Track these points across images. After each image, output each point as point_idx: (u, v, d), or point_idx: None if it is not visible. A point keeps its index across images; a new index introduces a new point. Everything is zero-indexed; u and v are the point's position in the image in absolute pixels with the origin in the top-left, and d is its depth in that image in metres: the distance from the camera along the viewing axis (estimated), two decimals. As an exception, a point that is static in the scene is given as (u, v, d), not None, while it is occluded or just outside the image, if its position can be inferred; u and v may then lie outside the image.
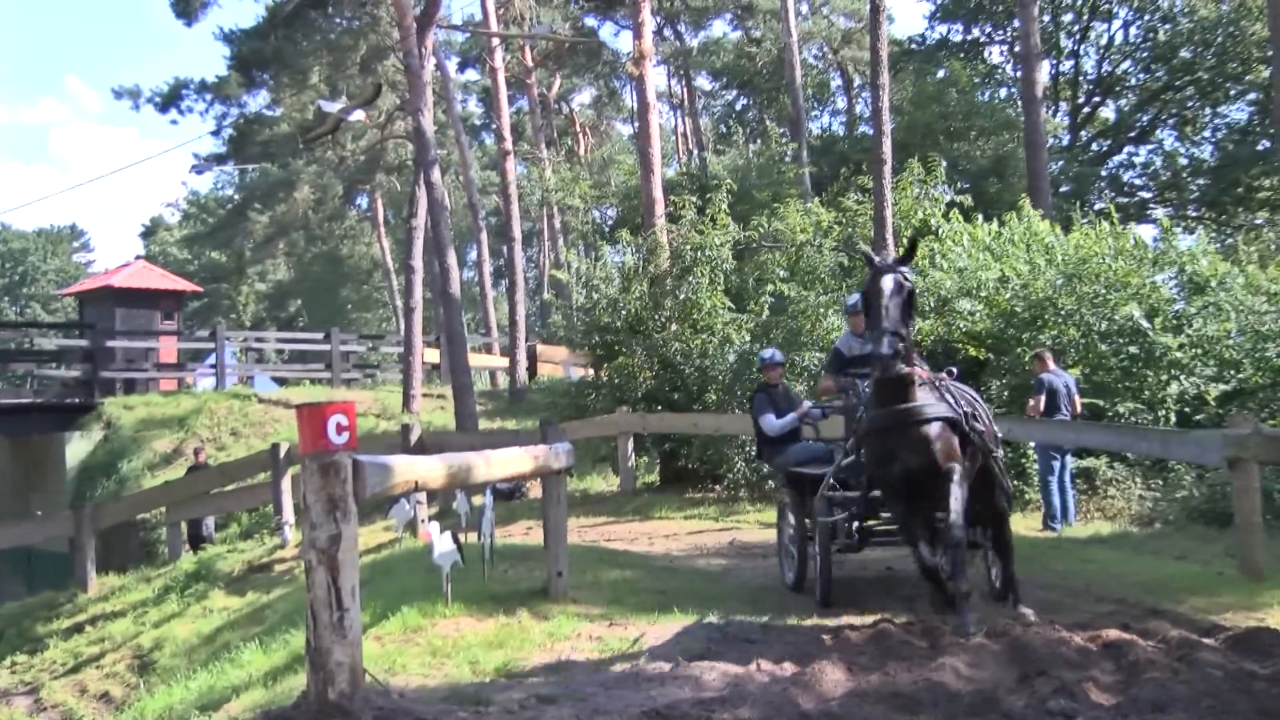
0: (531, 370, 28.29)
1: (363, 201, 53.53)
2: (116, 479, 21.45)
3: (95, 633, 15.75)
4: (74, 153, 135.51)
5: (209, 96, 35.92)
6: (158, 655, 13.56)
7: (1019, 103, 27.28)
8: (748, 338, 16.89)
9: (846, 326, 10.21)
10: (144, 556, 19.19)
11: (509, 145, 29.62)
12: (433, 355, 28.20)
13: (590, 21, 44.25)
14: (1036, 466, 13.15)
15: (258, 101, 37.39)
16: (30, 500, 23.91)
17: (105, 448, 22.65)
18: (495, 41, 31.87)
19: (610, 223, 31.20)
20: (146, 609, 15.72)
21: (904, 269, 7.43)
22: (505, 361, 28.58)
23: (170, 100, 35.46)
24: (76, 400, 24.30)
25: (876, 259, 7.55)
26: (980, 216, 18.01)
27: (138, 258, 37.49)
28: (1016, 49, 31.05)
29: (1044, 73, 29.45)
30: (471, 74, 47.09)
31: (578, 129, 51.47)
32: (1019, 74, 27.34)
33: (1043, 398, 12.65)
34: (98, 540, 18.19)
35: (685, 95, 47.84)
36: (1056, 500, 12.66)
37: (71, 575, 18.38)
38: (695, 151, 42.77)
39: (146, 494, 19.41)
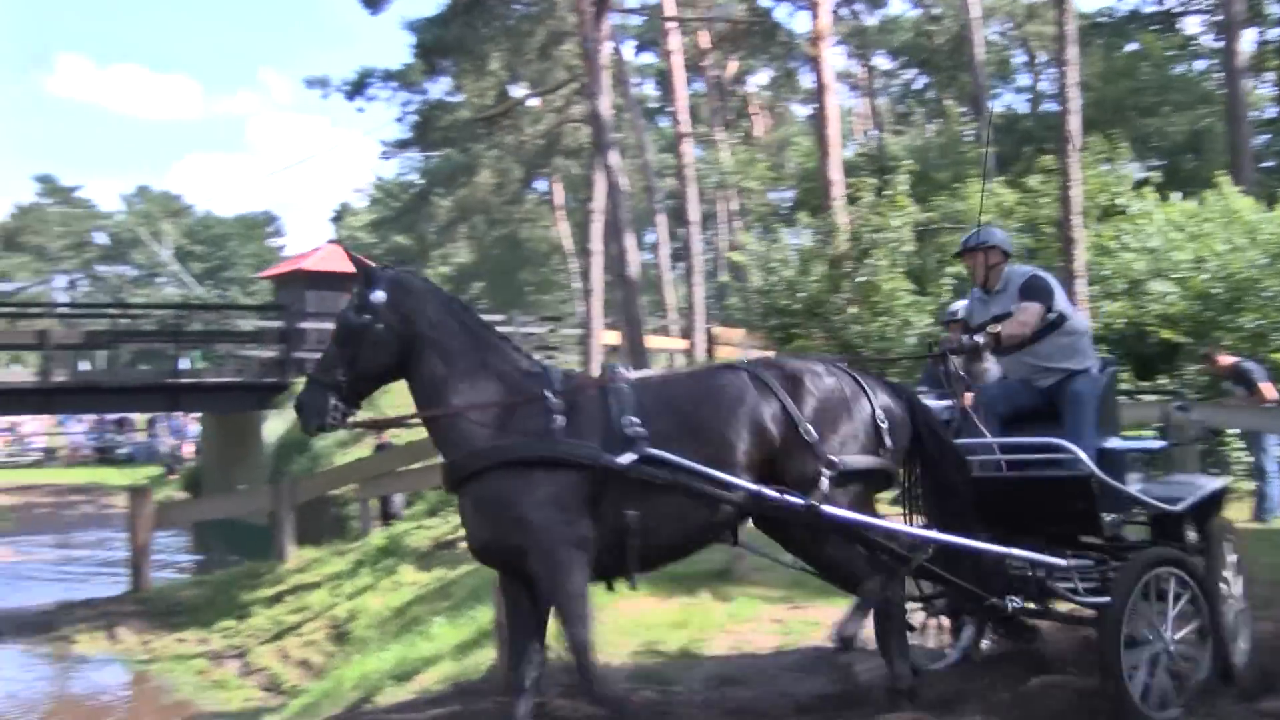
0: (709, 352, 28.36)
1: (542, 185, 54.28)
2: (310, 456, 22.28)
3: (295, 602, 16.48)
4: (269, 141, 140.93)
5: (394, 84, 36.95)
6: (353, 626, 14.11)
7: (1219, 74, 26.13)
8: (929, 320, 16.66)
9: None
10: (337, 531, 19.92)
11: (686, 128, 29.70)
12: (611, 337, 28.50)
13: (766, 2, 43.99)
14: (1249, 455, 12.65)
15: (440, 88, 38.31)
16: (233, 474, 25.07)
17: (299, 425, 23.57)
18: (671, 25, 31.96)
19: (787, 205, 31.05)
20: (341, 581, 16.36)
21: None
22: (683, 344, 28.72)
23: (357, 89, 36.58)
24: (273, 379, 25.36)
25: None
26: (1175, 194, 17.36)
27: (328, 242, 38.83)
28: (1216, 18, 29.74)
29: (1247, 42, 28.14)
30: (648, 57, 47.33)
31: (754, 111, 51.22)
32: (1219, 44, 26.18)
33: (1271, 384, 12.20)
34: (295, 514, 18.99)
35: (863, 75, 47.17)
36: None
37: (271, 547, 19.23)
38: (873, 132, 42.17)
39: (338, 470, 20.13)
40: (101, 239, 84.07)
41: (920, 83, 43.70)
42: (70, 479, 40.57)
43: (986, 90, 30.28)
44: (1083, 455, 5.60)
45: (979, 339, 5.99)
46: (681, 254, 39.93)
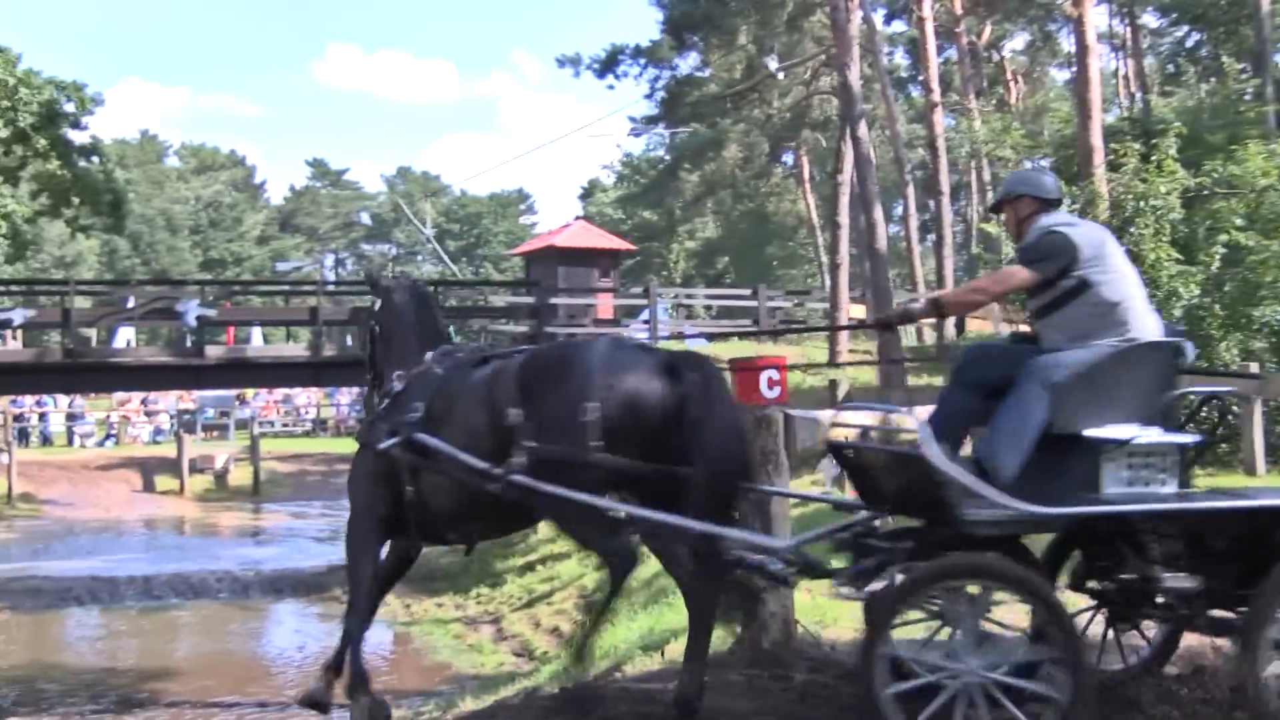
0: (960, 325, 27.64)
1: (788, 158, 53.99)
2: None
3: (545, 571, 16.92)
4: (520, 121, 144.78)
5: (643, 61, 37.30)
6: (600, 595, 14.35)
7: None
8: (1196, 291, 15.73)
9: None
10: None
11: (937, 97, 28.96)
12: (858, 311, 28.15)
13: (1023, -38, 42.41)
14: None
15: (688, 64, 38.49)
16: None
17: (550, 399, 24.11)
18: (923, -10, 31.18)
19: (1044, 173, 29.86)
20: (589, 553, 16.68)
21: None
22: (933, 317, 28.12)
23: (607, 66, 37.10)
24: (525, 354, 26.07)
25: None
26: None
27: (577, 218, 39.64)
28: None
29: None
30: (898, 25, 46.34)
31: (1009, 77, 49.57)
32: None
33: None
34: (546, 485, 19.45)
35: (1128, 35, 44.94)
36: None
37: (524, 516, 19.78)
38: (1138, 95, 40.14)
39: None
40: (365, 219, 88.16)
41: (1192, 40, 41.30)
42: (338, 449, 42.74)
43: (1272, 44, 28.34)
44: (919, 429, 4.77)
45: (913, 305, 5.38)
46: (931, 226, 39.06)
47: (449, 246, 76.26)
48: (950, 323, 25.85)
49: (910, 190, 33.55)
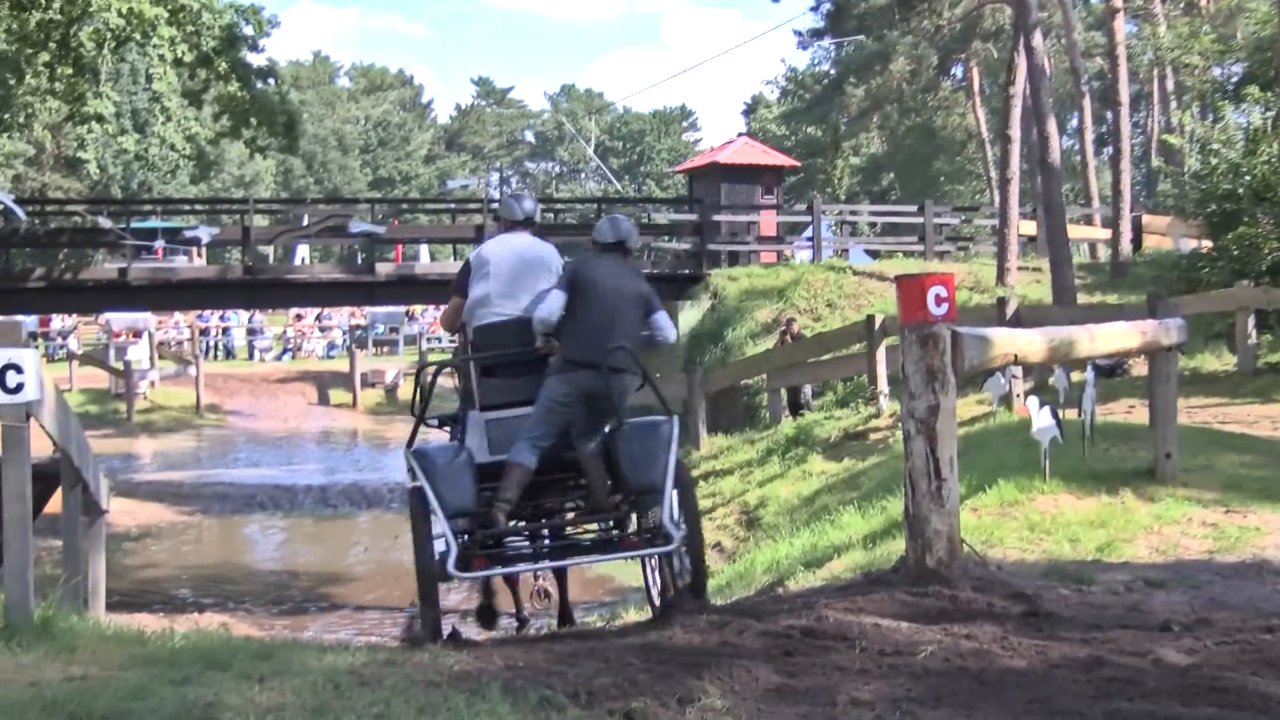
0: (1136, 242, 26.65)
1: (958, 71, 52.39)
2: (722, 346, 22.81)
3: (707, 487, 17.02)
4: (683, 37, 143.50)
5: (809, -29, 36.53)
6: (762, 512, 14.42)
7: None
8: None
9: None
10: (747, 419, 20.37)
11: (1117, 2, 27.69)
12: (1028, 227, 27.35)
13: None
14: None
15: (855, -26, 37.49)
16: (650, 363, 26.09)
17: (712, 316, 24.14)
18: (1104, -111, 29.72)
19: (1235, 80, 28.43)
20: (751, 469, 16.74)
21: None
22: (1106, 233, 27.16)
23: (772, -21, 36.44)
24: (687, 271, 26.05)
25: None
26: None
27: (740, 135, 39.24)
28: None
29: None
30: (1076, -73, 44.34)
31: (1197, -22, 47.07)
32: None
33: None
34: (707, 402, 19.59)
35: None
36: None
37: (685, 433, 19.92)
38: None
39: (749, 361, 20.52)
40: (529, 137, 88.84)
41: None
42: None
43: None
44: None
45: None
46: (1108, 138, 37.58)
47: (612, 164, 76.43)
48: (1126, 238, 24.96)
49: (1086, 102, 32.28)
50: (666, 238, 28.93)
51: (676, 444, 6.65)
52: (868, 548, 7.95)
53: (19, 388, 5.26)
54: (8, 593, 5.25)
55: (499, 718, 3.74)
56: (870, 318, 16.79)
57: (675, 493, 6.34)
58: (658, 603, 6.87)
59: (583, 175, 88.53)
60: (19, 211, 23.86)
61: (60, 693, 4.03)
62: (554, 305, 6.59)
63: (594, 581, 14.14)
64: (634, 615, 9.27)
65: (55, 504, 7.92)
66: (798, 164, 47.88)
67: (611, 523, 6.75)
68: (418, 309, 44.26)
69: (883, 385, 16.16)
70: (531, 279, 6.84)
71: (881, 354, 16.22)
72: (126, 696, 3.98)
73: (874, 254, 30.57)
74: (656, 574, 6.97)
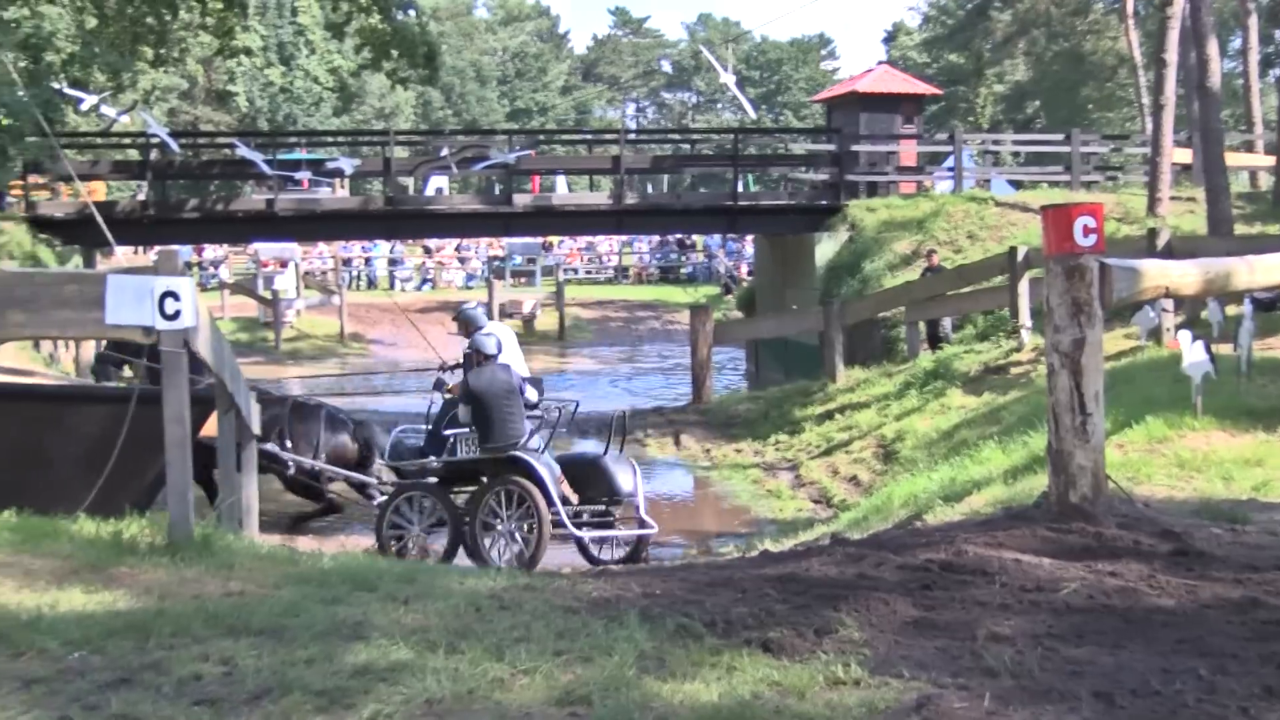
0: (1301, 168, 25.47)
1: (1112, -8, 50.48)
2: (860, 278, 22.54)
3: (843, 420, 16.95)
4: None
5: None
6: (899, 446, 14.31)
7: None
8: None
9: None
10: (885, 353, 20.15)
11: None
12: (1183, 155, 26.32)
13: None
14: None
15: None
16: (786, 295, 25.91)
17: (850, 248, 23.83)
18: None
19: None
20: (888, 402, 16.59)
21: None
22: (1269, 160, 26.02)
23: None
24: (824, 202, 25.72)
25: None
26: None
27: (880, 63, 38.43)
28: None
29: None
30: None
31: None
32: None
33: None
34: (844, 335, 19.44)
35: None
36: None
37: (821, 366, 19.80)
38: None
39: (887, 293, 20.26)
40: (666, 67, 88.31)
41: None
42: (639, 295, 43.77)
43: None
44: None
45: None
46: (1275, 60, 35.87)
47: (748, 94, 75.53)
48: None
49: (1253, 21, 30.83)
50: (803, 169, 28.56)
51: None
52: (1008, 483, 7.83)
53: (177, 314, 5.44)
54: (171, 511, 5.48)
55: (636, 644, 3.79)
56: (1013, 249, 16.44)
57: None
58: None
59: (719, 105, 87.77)
60: (173, 144, 24.56)
61: (220, 607, 4.21)
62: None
63: (730, 512, 14.22)
64: (770, 545, 9.29)
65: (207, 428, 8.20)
66: (939, 92, 46.75)
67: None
68: (554, 240, 44.59)
69: (1025, 319, 15.83)
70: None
71: (1024, 287, 15.88)
72: (281, 613, 4.14)
73: (1017, 184, 29.75)
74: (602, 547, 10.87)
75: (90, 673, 3.47)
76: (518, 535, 10.08)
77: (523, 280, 43.22)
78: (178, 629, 3.89)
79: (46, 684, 3.36)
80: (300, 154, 31.53)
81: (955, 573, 4.75)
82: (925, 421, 14.69)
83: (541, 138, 37.25)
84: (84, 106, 24.89)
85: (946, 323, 19.21)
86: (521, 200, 26.36)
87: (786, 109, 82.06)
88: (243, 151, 24.27)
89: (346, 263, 42.94)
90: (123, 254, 25.69)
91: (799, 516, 13.29)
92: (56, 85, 21.67)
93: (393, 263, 44.73)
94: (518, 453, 10.35)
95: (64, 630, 3.82)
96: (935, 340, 18.80)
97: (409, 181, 27.65)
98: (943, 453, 12.15)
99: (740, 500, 14.82)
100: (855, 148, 26.13)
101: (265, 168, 23.86)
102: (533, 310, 38.32)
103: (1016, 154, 43.33)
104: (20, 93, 17.81)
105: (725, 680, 3.50)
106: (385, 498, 11.18)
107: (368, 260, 44.61)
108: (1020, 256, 16.02)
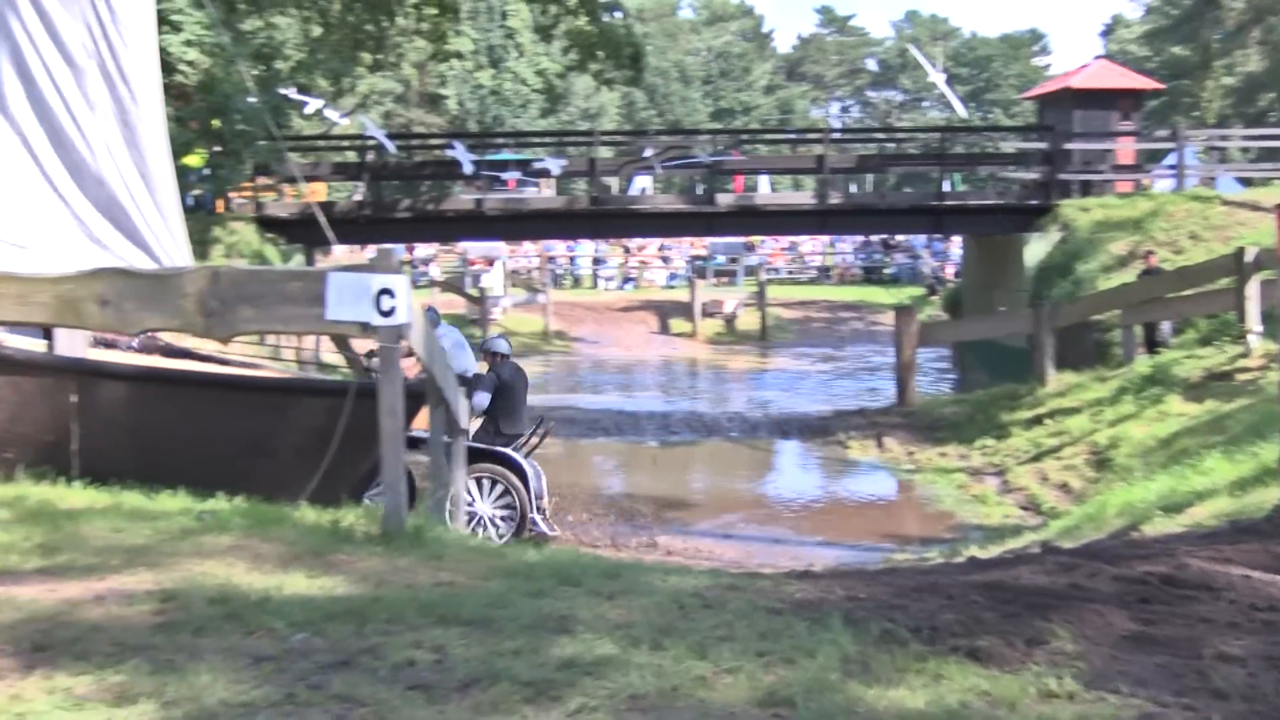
0: None
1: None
2: (1072, 280, 21.83)
3: (1053, 425, 16.44)
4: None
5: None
6: (1113, 453, 13.81)
7: None
8: None
9: None
10: (1097, 357, 19.44)
11: None
12: None
13: None
14: None
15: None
16: (993, 297, 25.29)
17: (1061, 249, 23.10)
18: None
19: None
20: (1101, 408, 16.01)
21: None
22: None
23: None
24: (1035, 202, 24.98)
25: None
26: None
27: (1097, 58, 37.07)
28: None
29: None
30: None
31: None
32: None
33: None
34: (1055, 338, 18.85)
35: None
36: None
37: (1029, 369, 19.25)
38: None
39: (1101, 296, 19.56)
40: (872, 65, 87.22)
41: None
42: (841, 296, 43.37)
43: None
44: None
45: None
46: None
47: (957, 91, 73.87)
48: None
49: None
50: (1013, 167, 27.79)
51: None
52: (1234, 495, 7.47)
53: (392, 311, 5.63)
54: (385, 502, 5.67)
55: (840, 647, 3.75)
56: (1240, 250, 15.69)
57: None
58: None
59: (925, 103, 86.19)
60: (389, 146, 25.44)
61: (432, 596, 4.34)
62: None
63: (934, 517, 13.97)
64: (976, 551, 9.07)
65: (418, 422, 8.47)
66: (1161, 86, 44.84)
67: None
68: (757, 240, 44.49)
69: (1253, 323, 15.08)
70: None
71: (1253, 289, 15.14)
72: (489, 604, 4.24)
73: (1246, 182, 28.35)
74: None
75: (313, 653, 3.62)
76: (497, 520, 10.85)
77: (725, 280, 43.25)
78: (392, 616, 4.03)
79: (274, 662, 3.53)
80: (508, 155, 32.26)
81: (1177, 587, 4.54)
82: (1141, 428, 14.13)
83: (745, 137, 37.17)
84: (308, 111, 26.01)
85: (1165, 326, 18.43)
86: (725, 200, 26.41)
87: (996, 106, 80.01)
88: (453, 152, 24.97)
89: (551, 261, 43.75)
90: (340, 252, 26.76)
91: (1006, 523, 12.96)
92: (284, 91, 22.70)
93: (596, 261, 45.37)
94: (508, 451, 11.40)
95: (289, 612, 4.00)
96: (1153, 345, 18.05)
97: (613, 181, 28.01)
98: (1161, 462, 11.66)
99: (944, 505, 14.53)
100: (1068, 145, 25.30)
101: (469, 167, 24.48)
102: (734, 310, 38.33)
103: (1246, 150, 41.32)
104: (252, 99, 18.72)
105: (932, 688, 3.42)
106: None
107: (572, 259, 45.36)
108: (1249, 257, 15.27)
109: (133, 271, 6.31)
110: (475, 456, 10.90)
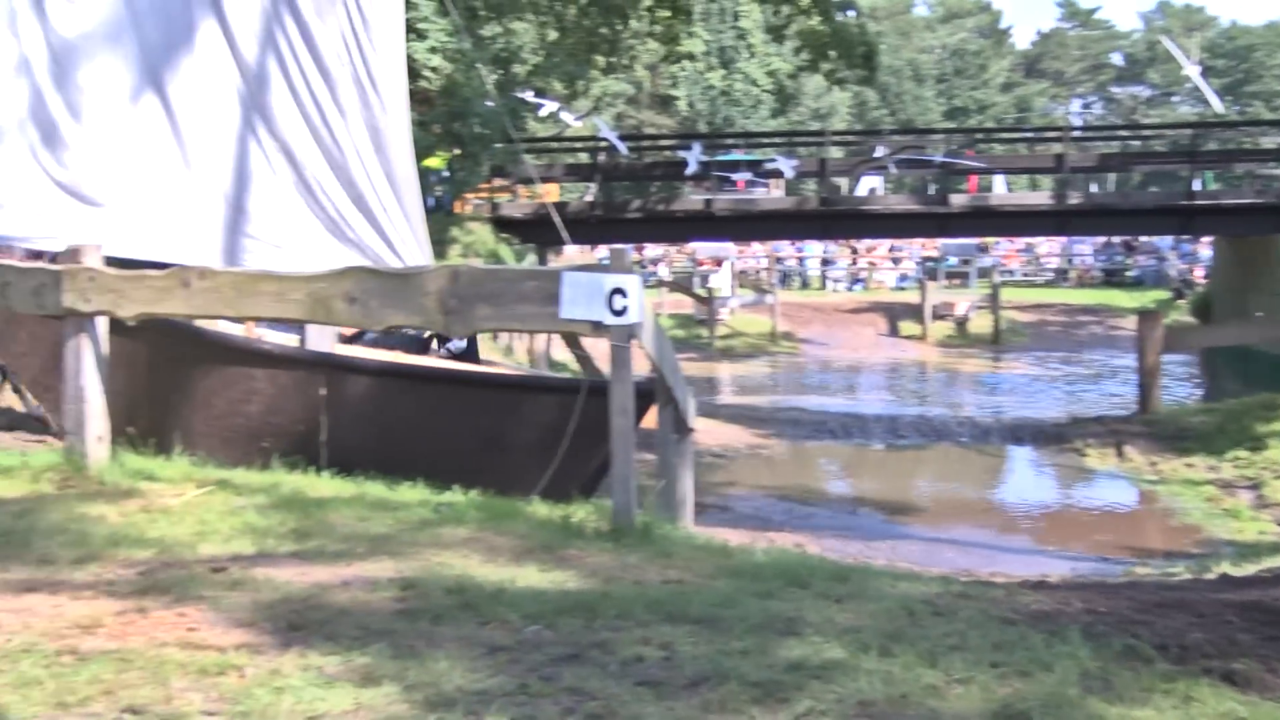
0: None
1: None
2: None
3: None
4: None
5: None
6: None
7: None
8: None
9: None
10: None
11: None
12: None
13: None
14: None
15: None
16: (1249, 301, 24.02)
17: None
18: None
19: None
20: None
21: None
22: None
23: None
24: (1297, 200, 23.60)
25: None
26: None
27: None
28: None
29: None
30: None
31: None
32: None
33: None
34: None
35: None
36: None
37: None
38: None
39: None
40: (1118, 59, 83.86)
41: None
42: (1079, 299, 41.83)
43: None
44: None
45: None
46: None
47: (1212, 84, 70.35)
48: None
49: None
50: (1273, 164, 26.30)
51: None
52: None
53: (624, 310, 5.70)
54: (614, 498, 5.75)
55: (1079, 662, 3.62)
56: None
57: None
58: None
59: (1175, 98, 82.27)
60: (621, 147, 25.85)
61: (660, 593, 4.38)
62: None
63: (1179, 530, 13.34)
64: (1229, 568, 8.61)
65: (648, 420, 8.56)
66: None
67: None
68: (990, 241, 43.33)
69: None
70: None
71: None
72: (717, 604, 4.25)
73: None
74: None
75: (544, 646, 3.70)
76: None
77: (957, 282, 42.29)
78: (621, 611, 4.08)
79: (508, 653, 3.63)
80: (738, 155, 32.34)
81: None
82: None
83: (979, 136, 36.29)
84: (543, 113, 26.65)
85: None
86: (958, 200, 25.85)
87: (1256, 100, 75.74)
88: (685, 153, 25.17)
89: (779, 261, 43.62)
90: (572, 252, 27.35)
91: (1262, 540, 12.28)
92: (521, 95, 23.33)
93: (825, 262, 45.02)
94: None
95: (522, 604, 4.11)
96: None
97: (843, 182, 27.75)
98: None
99: (1191, 518, 13.86)
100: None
101: (693, 166, 24.61)
102: (966, 313, 37.47)
103: None
104: (490, 103, 19.31)
105: (1181, 710, 3.27)
106: None
107: (800, 260, 45.13)
108: None
109: (378, 270, 6.56)
110: None
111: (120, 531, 5.15)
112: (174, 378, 7.86)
